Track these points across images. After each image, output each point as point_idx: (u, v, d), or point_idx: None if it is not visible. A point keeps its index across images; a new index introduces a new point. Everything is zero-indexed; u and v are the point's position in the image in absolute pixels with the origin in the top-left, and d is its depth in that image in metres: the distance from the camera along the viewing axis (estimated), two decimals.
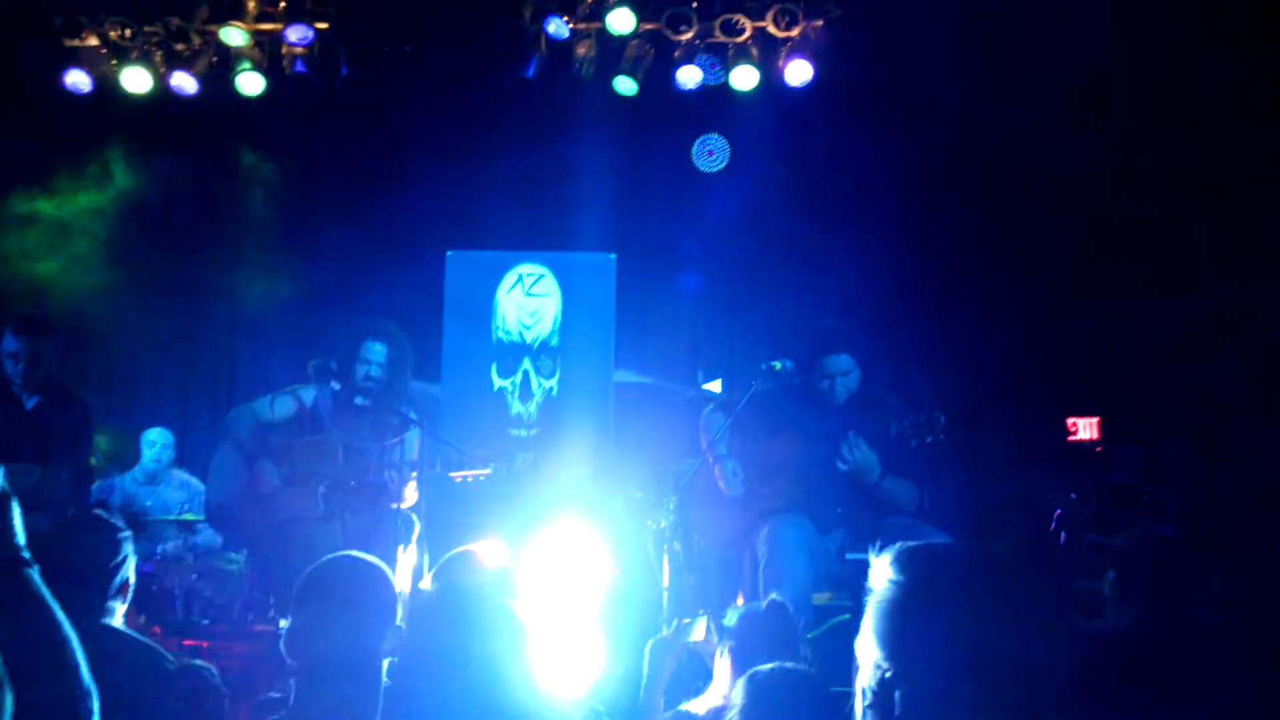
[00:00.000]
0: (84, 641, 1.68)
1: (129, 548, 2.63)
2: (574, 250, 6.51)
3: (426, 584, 3.33)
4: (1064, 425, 5.48)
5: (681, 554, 4.62)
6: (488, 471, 4.72)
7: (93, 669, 1.65)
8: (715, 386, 6.66)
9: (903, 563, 1.25)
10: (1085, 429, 5.49)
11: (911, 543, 1.27)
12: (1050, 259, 6.15)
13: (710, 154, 6.46)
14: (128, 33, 6.23)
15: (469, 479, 4.77)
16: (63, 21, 6.19)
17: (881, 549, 1.31)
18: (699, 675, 3.43)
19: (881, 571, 1.26)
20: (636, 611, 4.74)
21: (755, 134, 6.49)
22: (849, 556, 4.39)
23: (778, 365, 4.42)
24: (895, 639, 1.21)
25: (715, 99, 6.34)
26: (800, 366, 4.51)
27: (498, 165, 6.58)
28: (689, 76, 6.16)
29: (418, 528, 4.77)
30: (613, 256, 6.46)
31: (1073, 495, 4.03)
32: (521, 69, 6.19)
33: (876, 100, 6.35)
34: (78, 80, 6.22)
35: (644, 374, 6.57)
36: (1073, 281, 6.09)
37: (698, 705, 2.96)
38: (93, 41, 6.28)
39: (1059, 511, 3.99)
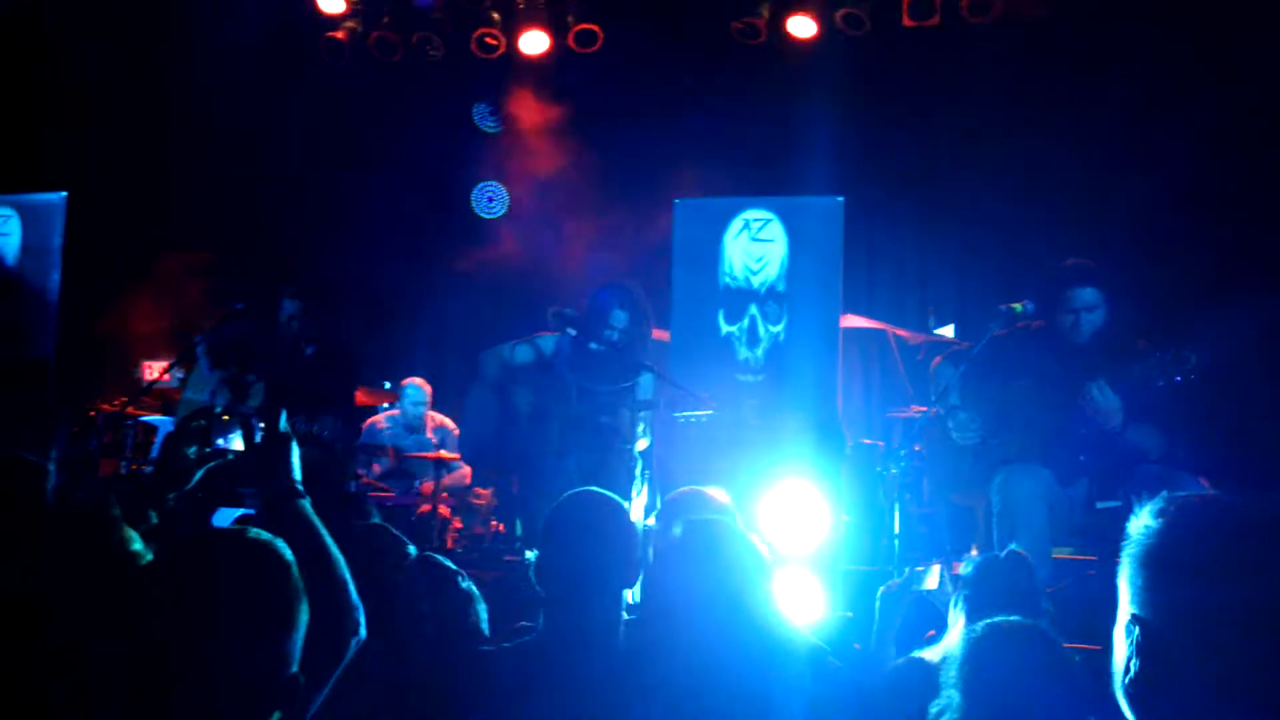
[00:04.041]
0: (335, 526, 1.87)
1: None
2: (801, 194, 6.43)
3: (652, 522, 3.44)
4: None
5: (913, 503, 4.55)
6: (709, 412, 4.80)
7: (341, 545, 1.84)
8: (948, 331, 6.45)
9: (1166, 514, 1.19)
10: None
11: (1179, 494, 1.21)
12: None
13: (490, 200, 6.33)
14: None
15: (691, 419, 4.88)
16: None
17: (1135, 498, 1.25)
18: (930, 623, 3.39)
19: (1141, 521, 1.21)
20: (867, 558, 4.73)
21: (983, 65, 6.18)
22: (1099, 506, 4.18)
23: (1018, 307, 4.22)
24: (1156, 592, 1.17)
25: (941, 35, 6.08)
26: (1042, 305, 4.29)
27: (725, 112, 6.59)
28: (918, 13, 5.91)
29: (638, 466, 4.96)
30: (840, 200, 6.34)
31: None
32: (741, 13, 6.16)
33: (1119, 23, 5.88)
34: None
35: (873, 319, 6.44)
36: None
37: (930, 654, 2.92)
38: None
39: None
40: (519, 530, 4.96)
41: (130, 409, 5.46)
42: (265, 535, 1.55)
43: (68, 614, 1.81)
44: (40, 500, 2.79)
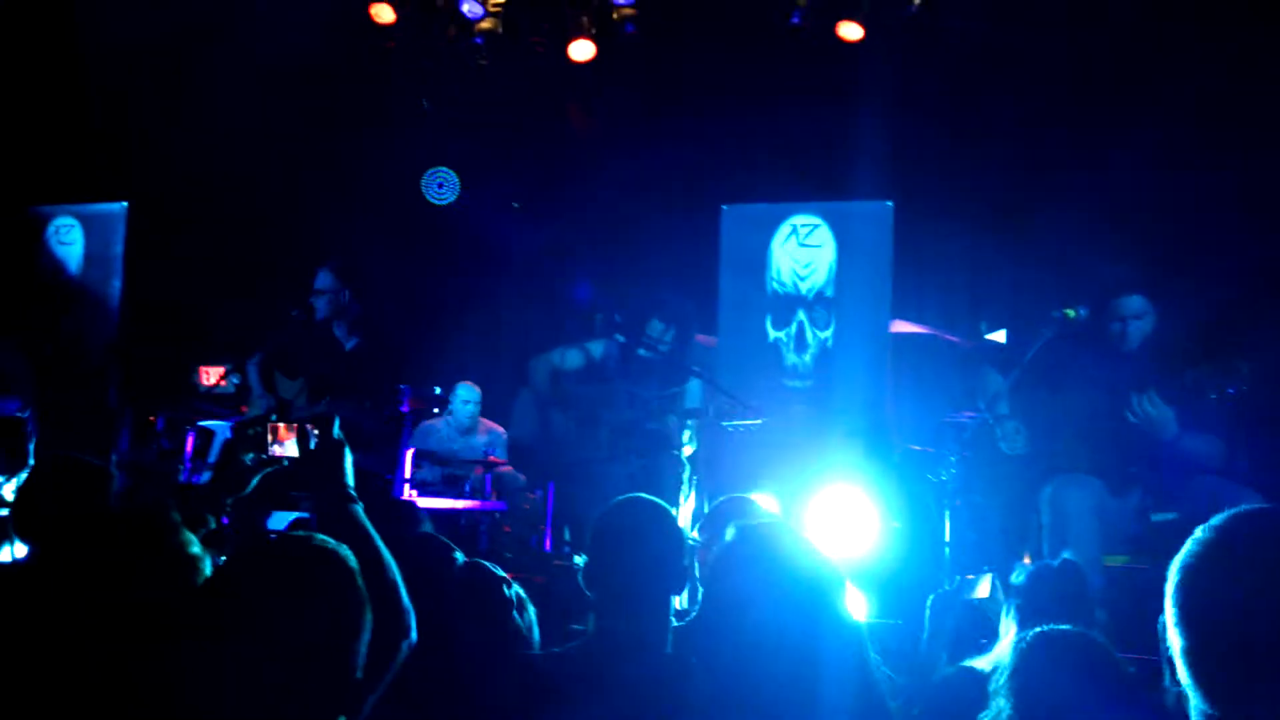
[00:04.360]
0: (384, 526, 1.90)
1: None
2: (850, 199, 6.39)
3: (695, 534, 3.44)
4: None
5: (963, 510, 4.50)
6: (758, 421, 4.81)
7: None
8: (999, 337, 6.36)
9: (1211, 528, 1.19)
10: None
11: (1230, 511, 1.20)
12: None
13: (440, 186, 6.27)
14: None
15: (740, 427, 4.89)
16: None
17: (1189, 511, 1.25)
18: (983, 632, 3.35)
19: (1192, 538, 1.20)
20: (917, 566, 4.69)
21: (1027, 70, 6.11)
22: (1154, 518, 4.10)
23: (1071, 313, 4.16)
24: (1195, 606, 1.15)
25: (982, 41, 6.02)
26: (1090, 311, 4.24)
27: (772, 117, 6.58)
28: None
29: (686, 473, 4.96)
30: (890, 204, 6.29)
31: None
32: (789, 15, 6.15)
33: (1175, 24, 5.76)
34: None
35: (922, 324, 6.38)
36: None
37: (982, 663, 2.89)
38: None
39: None
40: (568, 535, 4.99)
41: (189, 414, 5.58)
42: (331, 542, 1.57)
43: (129, 617, 1.86)
44: (103, 503, 2.87)
